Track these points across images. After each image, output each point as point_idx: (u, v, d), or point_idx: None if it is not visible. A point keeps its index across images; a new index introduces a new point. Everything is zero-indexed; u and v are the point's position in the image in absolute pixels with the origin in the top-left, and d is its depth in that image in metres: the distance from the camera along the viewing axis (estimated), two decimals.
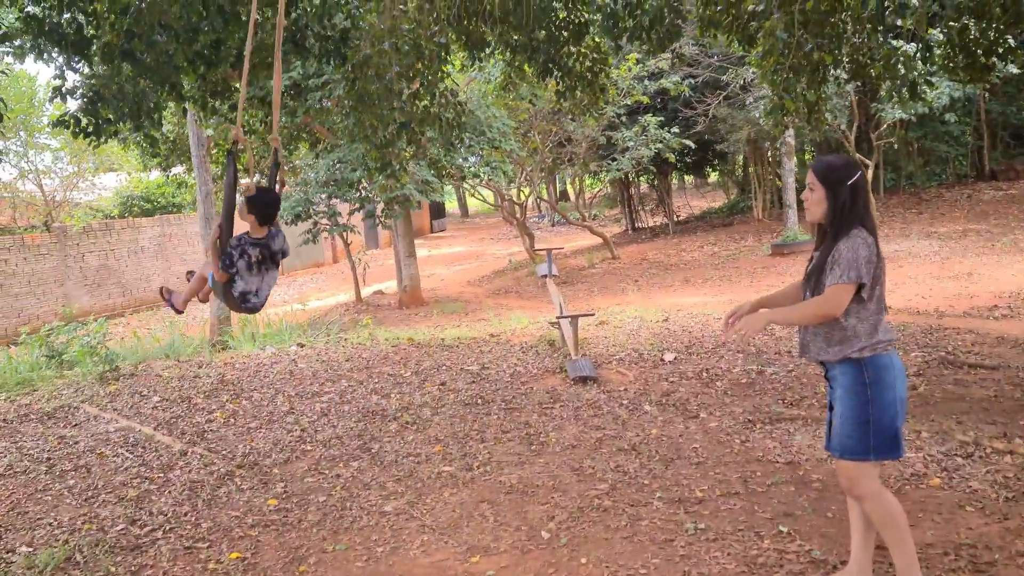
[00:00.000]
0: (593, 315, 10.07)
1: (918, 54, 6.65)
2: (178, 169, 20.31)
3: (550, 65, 8.38)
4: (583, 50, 8.56)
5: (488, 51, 8.17)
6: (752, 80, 19.34)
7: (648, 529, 4.63)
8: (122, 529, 5.04)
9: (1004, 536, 4.16)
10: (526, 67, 8.72)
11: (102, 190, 26.22)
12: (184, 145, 17.89)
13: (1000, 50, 6.72)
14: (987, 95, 21.94)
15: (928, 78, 6.67)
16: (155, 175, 24.34)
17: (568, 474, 5.55)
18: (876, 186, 21.25)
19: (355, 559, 4.54)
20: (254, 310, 4.96)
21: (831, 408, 3.54)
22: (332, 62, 7.25)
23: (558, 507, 5.03)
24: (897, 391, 3.36)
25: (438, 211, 39.95)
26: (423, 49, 7.38)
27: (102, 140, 6.52)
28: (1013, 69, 15.88)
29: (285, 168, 20.25)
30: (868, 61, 7.63)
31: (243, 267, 4.79)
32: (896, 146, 22.48)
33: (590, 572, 4.19)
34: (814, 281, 3.49)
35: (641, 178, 27.49)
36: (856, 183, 3.42)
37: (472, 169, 18.24)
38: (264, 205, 4.87)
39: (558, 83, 8.73)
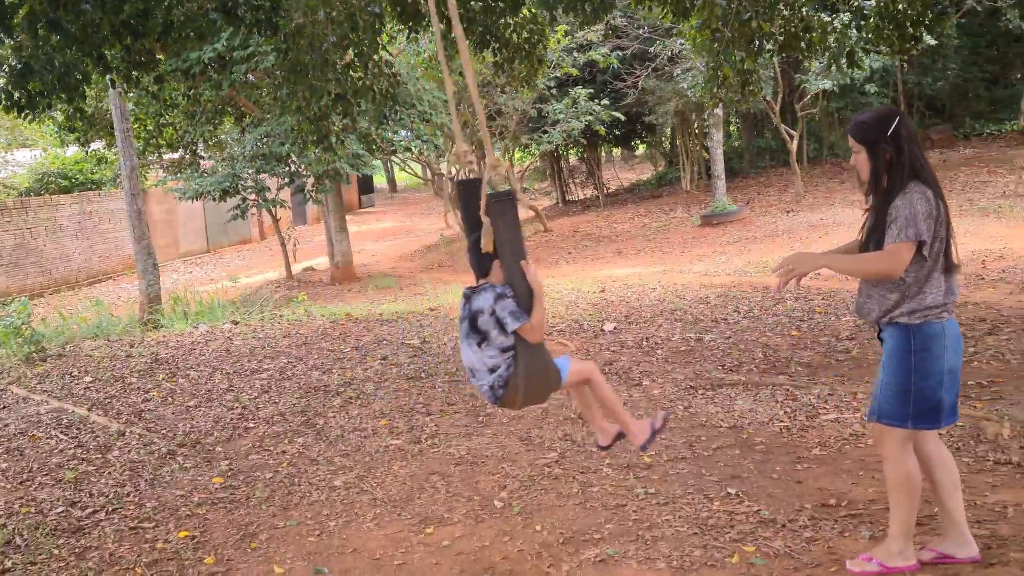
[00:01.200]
0: None
1: (853, 23, 6.78)
2: (97, 144, 19.66)
3: (487, 36, 8.32)
4: (520, 21, 8.53)
5: (423, 22, 8.08)
6: (680, 52, 19.51)
7: (599, 495, 4.68)
8: (62, 511, 4.91)
9: None
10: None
11: (15, 167, 25.27)
12: (104, 119, 17.34)
13: (926, 21, 6.89)
14: (904, 66, 22.51)
15: (864, 46, 6.81)
16: (72, 151, 23.54)
17: (516, 444, 5.58)
18: (800, 156, 21.69)
19: (307, 534, 4.50)
20: (482, 394, 3.66)
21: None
22: (264, 32, 7.08)
23: (509, 476, 5.06)
24: (946, 361, 3.21)
25: (366, 186, 39.49)
26: (357, 19, 7.25)
27: (36, 114, 6.27)
28: (930, 40, 16.33)
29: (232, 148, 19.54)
30: (801, 32, 7.77)
31: (459, 322, 3.69)
32: (818, 117, 22.94)
33: (544, 538, 4.22)
34: (874, 243, 3.29)
35: (571, 151, 27.58)
36: (896, 133, 3.21)
37: (403, 143, 18.08)
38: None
39: (496, 55, 8.69)
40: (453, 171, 24.22)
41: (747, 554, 3.84)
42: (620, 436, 3.99)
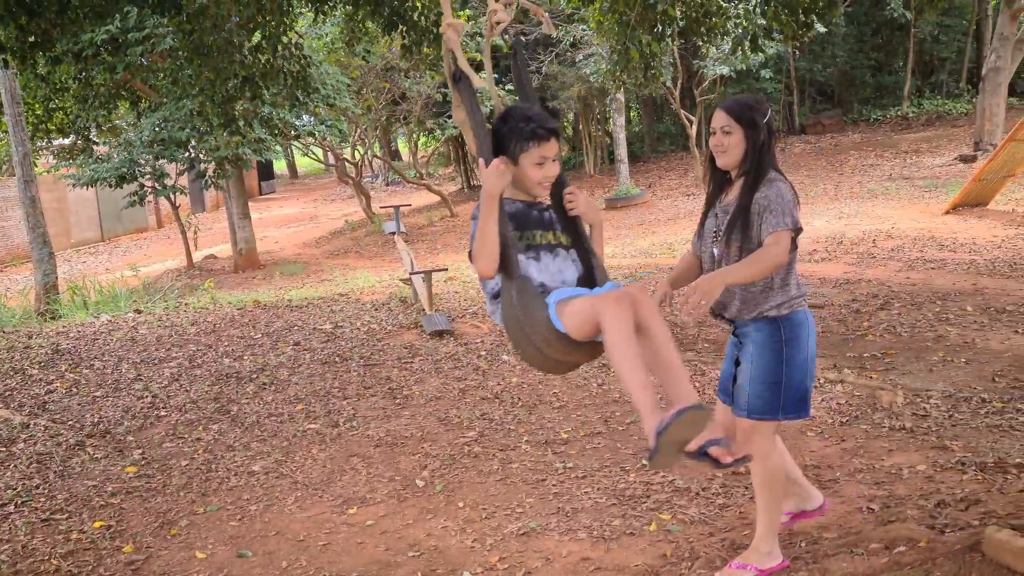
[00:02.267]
0: (446, 270, 10.16)
1: (757, 9, 7.03)
2: None
3: (394, 19, 8.29)
4: (428, 3, 8.52)
5: (331, 3, 8.00)
6: (583, 38, 19.73)
7: (519, 471, 4.79)
8: None
9: (842, 456, 4.56)
10: (370, 22, 8.59)
11: None
12: None
13: (818, 8, 7.18)
14: (796, 53, 23.27)
15: (767, 31, 7.06)
16: None
17: (435, 424, 5.64)
18: (699, 140, 22.22)
19: (228, 519, 4.48)
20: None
21: (737, 364, 3.30)
22: (167, 12, 6.91)
23: (429, 456, 5.12)
24: (809, 349, 3.20)
25: (266, 172, 38.69)
26: (264, 0, 7.15)
27: None
28: (820, 28, 16.93)
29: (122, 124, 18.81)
30: (702, 18, 8.00)
31: None
32: (714, 103, 23.52)
33: (467, 515, 4.30)
34: (737, 234, 3.15)
35: None
36: (770, 120, 3.18)
37: (307, 127, 17.82)
38: None
39: (404, 37, 8.66)
40: (358, 155, 24.01)
41: (664, 521, 4.00)
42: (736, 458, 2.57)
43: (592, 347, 2.69)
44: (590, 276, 2.90)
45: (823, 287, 8.60)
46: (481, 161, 2.78)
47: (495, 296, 2.89)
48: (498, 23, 3.02)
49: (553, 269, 2.86)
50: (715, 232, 3.27)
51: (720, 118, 3.19)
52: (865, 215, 13.26)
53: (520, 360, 3.04)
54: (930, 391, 5.33)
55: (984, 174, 12.11)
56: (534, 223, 2.91)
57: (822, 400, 5.40)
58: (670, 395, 2.58)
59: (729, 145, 3.16)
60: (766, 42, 7.72)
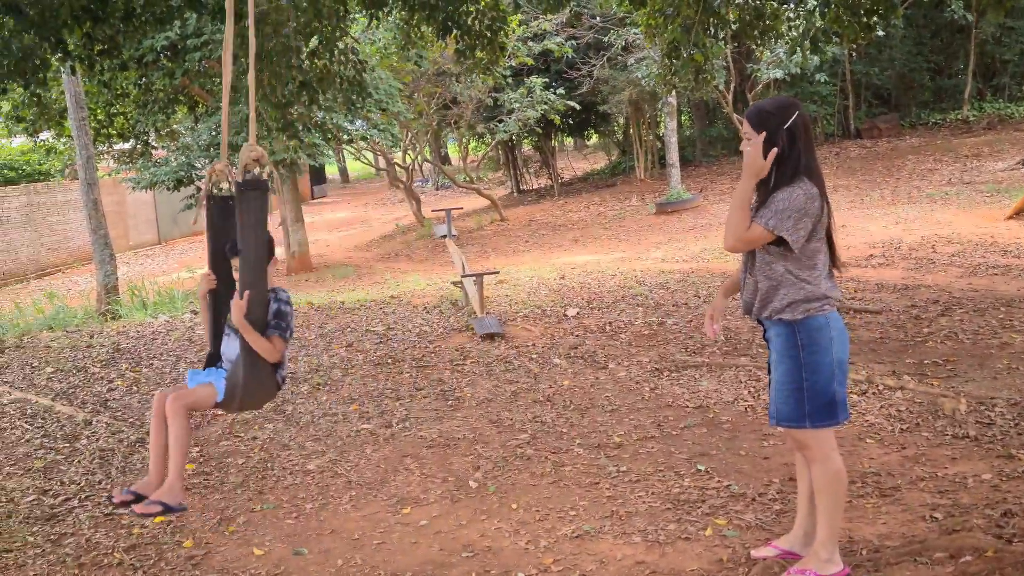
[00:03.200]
0: (497, 273, 10.18)
1: (817, 10, 6.95)
2: (46, 134, 19.29)
3: (449, 23, 8.34)
4: (482, 7, 8.56)
5: (387, 9, 8.08)
6: (634, 41, 19.65)
7: (572, 474, 4.78)
8: (34, 500, 4.88)
9: (903, 463, 4.48)
10: (424, 26, 8.65)
11: None
12: (52, 108, 16.99)
13: (881, 10, 7.08)
14: (852, 56, 22.93)
15: (827, 32, 6.96)
16: (18, 142, 23.05)
17: (487, 426, 5.65)
18: None
19: (285, 516, 4.53)
20: (284, 385, 3.95)
21: (770, 371, 3.38)
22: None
23: (482, 458, 5.13)
24: (833, 354, 3.17)
25: (319, 177, 39.11)
26: (321, 6, 7.24)
27: None
28: (879, 31, 16.68)
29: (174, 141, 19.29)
30: (755, 20, 7.93)
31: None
32: None
33: (521, 517, 4.30)
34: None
35: (525, 140, 27.65)
36: (793, 126, 3.13)
37: (360, 132, 17.98)
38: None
39: (458, 42, 8.71)
40: (410, 160, 24.19)
41: (719, 527, 3.96)
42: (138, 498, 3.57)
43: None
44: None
45: (880, 292, 8.45)
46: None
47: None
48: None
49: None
50: None
51: (744, 125, 3.26)
52: (924, 220, 13.00)
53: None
54: (995, 399, 5.21)
55: None
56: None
57: (881, 407, 5.31)
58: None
59: (751, 150, 3.19)
60: (824, 44, 7.63)
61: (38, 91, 6.88)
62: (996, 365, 5.89)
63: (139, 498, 3.53)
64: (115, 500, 3.59)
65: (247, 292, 3.49)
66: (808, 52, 6.91)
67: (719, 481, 4.49)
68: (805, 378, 3.16)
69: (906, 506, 3.94)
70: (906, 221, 13.14)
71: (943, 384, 5.59)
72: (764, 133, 3.14)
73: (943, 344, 6.55)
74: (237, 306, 3.49)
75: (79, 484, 5.08)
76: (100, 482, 5.10)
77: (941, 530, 3.61)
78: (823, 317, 3.17)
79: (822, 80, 21.33)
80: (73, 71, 7.24)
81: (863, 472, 4.40)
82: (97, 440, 5.82)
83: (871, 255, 10.65)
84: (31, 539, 4.37)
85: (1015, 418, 4.89)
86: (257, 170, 3.56)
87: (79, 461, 5.45)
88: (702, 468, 4.68)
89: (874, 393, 5.57)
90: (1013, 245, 10.25)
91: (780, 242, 3.15)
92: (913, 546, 3.44)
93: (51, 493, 4.97)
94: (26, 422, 6.24)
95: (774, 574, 3.41)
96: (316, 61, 7.36)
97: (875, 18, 7.06)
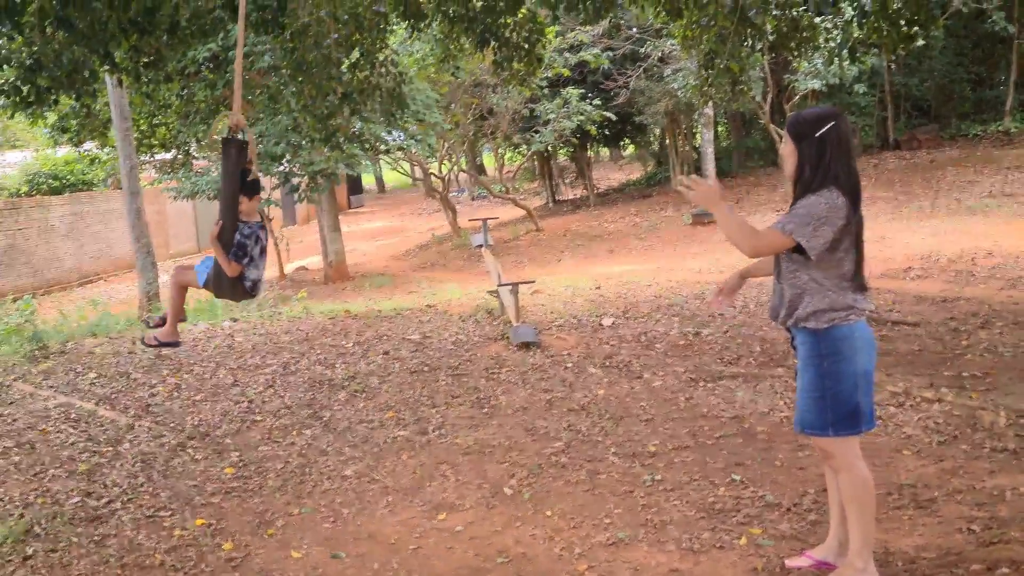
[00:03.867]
0: (533, 282, 10.23)
1: (854, 20, 6.93)
2: (89, 145, 19.63)
3: (487, 35, 8.42)
4: (520, 20, 8.63)
5: (426, 22, 8.18)
6: (671, 52, 19.64)
7: (607, 482, 4.80)
8: (78, 502, 4.99)
9: (940, 476, 4.45)
10: (463, 38, 8.74)
11: (6, 167, 25.20)
12: (97, 119, 17.31)
13: (921, 20, 7.04)
14: (891, 67, 22.73)
15: (866, 42, 6.94)
16: (63, 152, 23.49)
17: (522, 434, 5.69)
18: None
19: (322, 521, 4.60)
20: (256, 294, 4.99)
21: (797, 377, 3.39)
22: (270, 30, 7.16)
23: (517, 465, 5.17)
24: (858, 364, 3.17)
25: (355, 187, 39.49)
26: (362, 18, 7.35)
27: (44, 109, 6.35)
28: (919, 42, 16.55)
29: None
30: (791, 32, 7.93)
31: (257, 254, 4.77)
32: None
33: (556, 524, 4.33)
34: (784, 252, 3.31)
35: (561, 151, 27.72)
36: (825, 136, 3.17)
37: (397, 142, 18.15)
38: (256, 186, 4.81)
39: (495, 53, 8.79)
40: (445, 170, 24.33)
41: (754, 536, 3.96)
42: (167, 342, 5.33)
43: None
44: None
45: (918, 305, 8.38)
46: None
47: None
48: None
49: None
50: None
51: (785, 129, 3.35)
52: (963, 232, 12.86)
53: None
54: None
55: None
56: None
57: (918, 419, 5.28)
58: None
59: (786, 154, 3.31)
60: (863, 55, 7.59)
61: (87, 102, 7.04)
62: None
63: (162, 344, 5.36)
64: (146, 341, 5.40)
65: (219, 220, 4.65)
66: (846, 63, 6.87)
67: (754, 491, 4.49)
68: (828, 387, 3.18)
69: (943, 518, 3.91)
70: (945, 233, 13.01)
71: (982, 397, 5.54)
72: (794, 141, 3.24)
73: (982, 357, 6.49)
74: (213, 230, 4.67)
75: (122, 487, 5.18)
76: (142, 485, 5.21)
77: (978, 542, 3.59)
78: (848, 327, 3.17)
79: (861, 91, 21.17)
80: (120, 83, 7.41)
81: (900, 484, 4.38)
82: (139, 444, 5.94)
83: (909, 267, 10.56)
84: (75, 540, 4.47)
85: None
86: (240, 135, 4.62)
87: (122, 464, 5.56)
88: (737, 478, 4.68)
89: (911, 405, 5.54)
90: None
91: (802, 249, 3.16)
92: (950, 558, 3.43)
93: (95, 495, 5.07)
94: (70, 426, 6.38)
95: None
96: (357, 73, 7.47)
97: (915, 28, 7.03)
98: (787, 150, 3.29)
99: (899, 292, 9.07)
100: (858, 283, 3.23)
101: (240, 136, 4.63)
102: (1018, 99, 23.07)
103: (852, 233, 3.19)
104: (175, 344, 5.36)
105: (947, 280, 9.53)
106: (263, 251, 4.81)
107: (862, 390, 3.18)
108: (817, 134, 3.18)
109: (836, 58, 7.14)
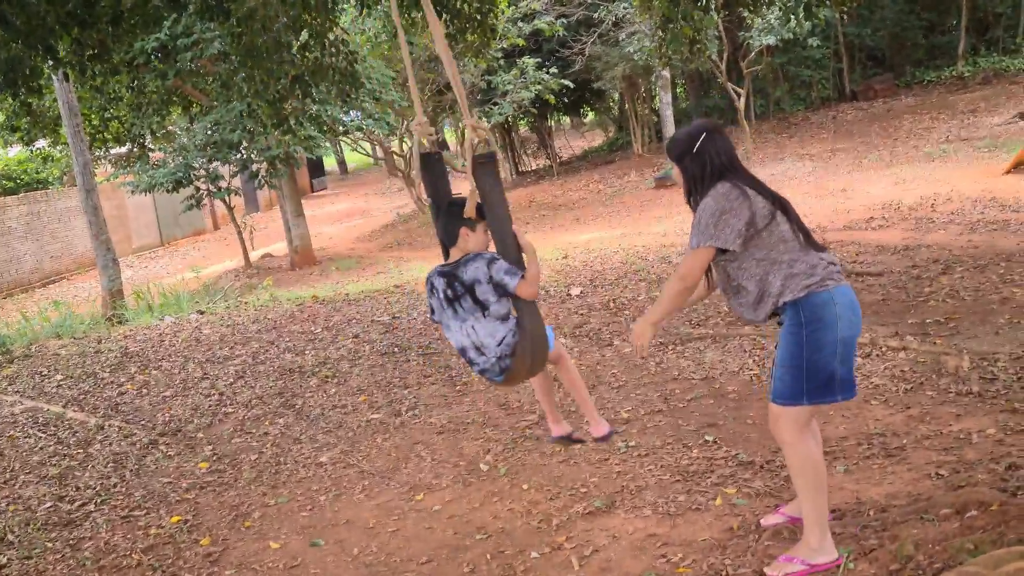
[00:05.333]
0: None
1: None
2: (42, 143, 19.29)
3: (438, 8, 8.32)
4: None
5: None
6: (625, 16, 19.58)
7: (582, 452, 4.81)
8: (50, 506, 4.94)
9: (908, 423, 4.51)
10: (414, 12, 8.62)
11: None
12: (46, 116, 16.99)
13: None
14: (844, 19, 22.80)
15: None
16: (15, 151, 23.07)
17: (496, 410, 5.69)
18: (748, 113, 21.92)
19: (299, 509, 4.59)
20: (484, 374, 3.58)
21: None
22: (216, 17, 7.03)
23: (492, 441, 5.17)
24: (839, 331, 3.07)
25: (318, 170, 39.14)
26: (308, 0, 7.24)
27: None
28: None
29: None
30: None
31: (436, 307, 3.60)
32: (761, 74, 23.19)
33: (533, 497, 4.35)
34: (717, 262, 3.28)
35: (521, 122, 27.60)
36: (700, 150, 3.19)
37: (355, 123, 17.98)
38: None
39: (448, 26, 8.69)
40: (407, 148, 24.15)
41: (729, 496, 4.00)
42: (570, 438, 4.08)
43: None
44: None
45: (881, 254, 8.46)
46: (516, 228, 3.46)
47: (504, 319, 3.46)
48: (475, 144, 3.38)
49: None
50: None
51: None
52: (922, 179, 12.99)
53: (518, 372, 3.51)
54: (997, 354, 5.23)
55: None
56: None
57: (885, 368, 5.34)
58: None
59: (676, 177, 3.32)
60: (818, 9, 7.56)
61: (29, 100, 6.89)
62: (998, 320, 5.91)
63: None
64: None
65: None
66: (803, 18, 6.87)
67: (727, 451, 4.52)
68: (806, 356, 3.08)
69: (912, 465, 3.97)
70: (905, 181, 13.13)
71: (946, 342, 5.61)
72: (676, 163, 3.27)
73: (945, 302, 6.57)
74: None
75: (95, 489, 5.13)
76: (115, 485, 5.16)
77: (947, 487, 3.64)
78: (827, 292, 3.08)
79: (815, 44, 21.23)
80: (66, 77, 7.27)
81: (869, 434, 4.43)
82: (110, 444, 5.88)
83: (871, 217, 10.65)
84: (50, 545, 4.43)
85: (1018, 372, 4.91)
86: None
87: (93, 466, 5.51)
88: (710, 439, 4.71)
89: (878, 355, 5.60)
90: (1012, 200, 10.24)
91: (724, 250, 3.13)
92: (919, 504, 3.48)
93: (67, 499, 5.02)
94: (39, 430, 6.30)
95: (784, 539, 3.45)
96: (307, 55, 7.36)
97: None
98: (676, 174, 3.32)
99: (862, 243, 9.15)
100: (811, 243, 3.17)
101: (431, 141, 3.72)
102: (970, 43, 23.25)
103: (768, 205, 3.12)
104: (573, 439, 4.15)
105: (908, 228, 9.63)
106: (443, 305, 3.54)
107: (840, 357, 3.10)
108: (695, 149, 3.20)
109: (792, 15, 7.11)
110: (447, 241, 3.51)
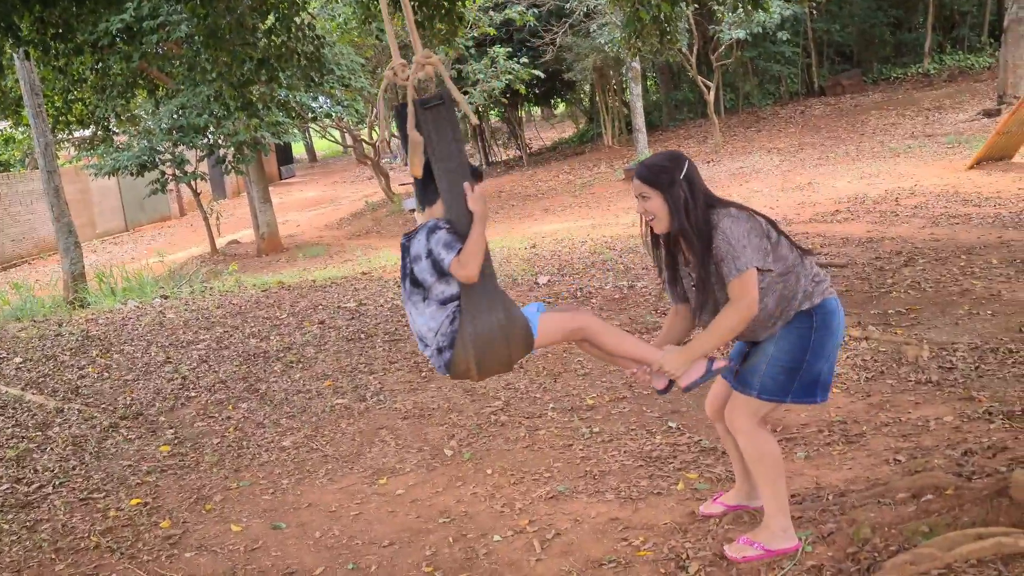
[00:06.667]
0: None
1: None
2: (3, 124, 18.95)
3: None
4: None
5: None
6: (596, 7, 19.58)
7: (546, 437, 4.83)
8: (7, 488, 4.86)
9: (868, 411, 4.56)
10: None
11: None
12: (8, 97, 16.67)
13: None
14: (813, 14, 22.98)
15: None
16: None
17: (461, 396, 5.69)
18: (717, 107, 22.04)
19: (261, 493, 4.55)
20: (434, 366, 3.11)
21: (752, 344, 3.23)
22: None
23: (456, 426, 5.17)
24: (837, 338, 3.11)
25: (286, 157, 38.83)
26: None
27: None
28: None
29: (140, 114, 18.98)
30: None
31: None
32: (731, 68, 23.31)
33: (496, 481, 4.35)
34: (711, 299, 3.11)
35: (492, 112, 27.54)
36: (688, 174, 3.05)
37: (323, 109, 17.84)
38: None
39: (415, 13, 8.63)
40: (375, 136, 24.01)
41: (691, 481, 4.02)
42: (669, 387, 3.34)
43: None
44: None
45: (845, 246, 8.55)
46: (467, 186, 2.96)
47: (444, 302, 2.94)
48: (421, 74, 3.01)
49: None
50: (693, 287, 3.17)
51: (635, 186, 3.11)
52: (887, 174, 13.13)
53: (465, 367, 2.98)
54: (956, 344, 5.30)
55: (1008, 126, 11.92)
56: None
57: (847, 357, 5.39)
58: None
59: (654, 211, 3.08)
60: (781, 3, 7.59)
61: None
62: (957, 311, 5.99)
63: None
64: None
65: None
66: (750, 7, 6.90)
67: (690, 437, 4.55)
68: (808, 359, 3.07)
69: (871, 451, 4.02)
70: (870, 176, 13.27)
71: (906, 332, 5.68)
72: (659, 190, 3.05)
73: (906, 294, 6.65)
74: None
75: (53, 471, 5.07)
76: (74, 468, 5.09)
77: (904, 472, 3.69)
78: (834, 299, 3.12)
79: (784, 39, 21.38)
80: (27, 56, 7.12)
81: (830, 421, 4.48)
82: (69, 427, 5.80)
83: (837, 211, 10.75)
84: (6, 527, 4.37)
85: (975, 361, 4.99)
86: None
87: (52, 448, 5.44)
88: (673, 425, 4.74)
89: (841, 345, 5.64)
90: (974, 194, 10.38)
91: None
92: (877, 488, 3.52)
93: (25, 481, 4.95)
94: None
95: (745, 523, 3.48)
96: (273, 38, 7.28)
97: None
98: (655, 205, 3.06)
99: (827, 235, 9.23)
100: (804, 252, 3.18)
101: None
102: (936, 41, 23.53)
103: (768, 223, 3.12)
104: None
105: (872, 221, 9.73)
106: (403, 281, 3.07)
107: (830, 362, 3.13)
108: (682, 175, 3.04)
109: (738, 6, 7.14)
110: (422, 206, 3.06)
